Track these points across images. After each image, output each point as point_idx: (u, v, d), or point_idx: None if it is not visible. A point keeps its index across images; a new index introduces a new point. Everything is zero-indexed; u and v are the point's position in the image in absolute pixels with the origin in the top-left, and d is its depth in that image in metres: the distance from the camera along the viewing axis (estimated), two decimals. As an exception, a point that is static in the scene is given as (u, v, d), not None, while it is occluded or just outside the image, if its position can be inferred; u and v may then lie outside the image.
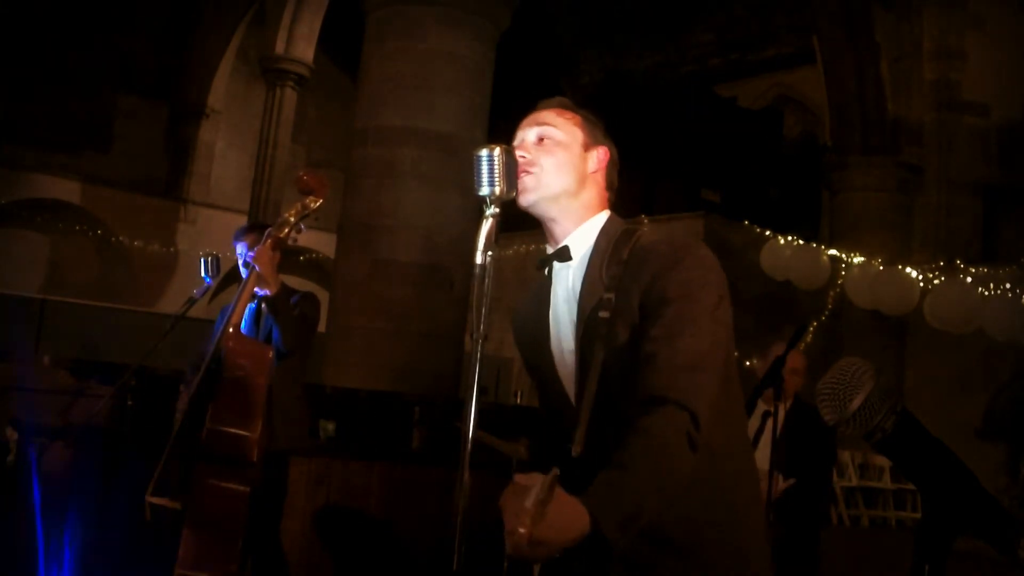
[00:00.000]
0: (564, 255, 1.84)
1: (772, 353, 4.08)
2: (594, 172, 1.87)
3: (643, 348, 1.67)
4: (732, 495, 1.73)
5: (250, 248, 3.94)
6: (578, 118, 1.89)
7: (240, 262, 4.01)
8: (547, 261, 1.87)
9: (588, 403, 1.72)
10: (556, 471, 1.37)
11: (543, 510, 1.33)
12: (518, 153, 1.80)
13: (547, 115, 1.88)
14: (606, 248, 1.80)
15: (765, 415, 3.91)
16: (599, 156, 1.88)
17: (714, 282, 1.71)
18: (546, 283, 1.88)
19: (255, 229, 4.08)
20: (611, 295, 1.74)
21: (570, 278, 1.83)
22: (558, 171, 1.82)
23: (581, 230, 1.84)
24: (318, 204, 3.71)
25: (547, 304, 1.87)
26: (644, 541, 1.66)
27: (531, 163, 1.81)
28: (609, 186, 1.91)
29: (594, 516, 1.42)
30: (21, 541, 4.48)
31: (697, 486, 1.66)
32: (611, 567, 1.68)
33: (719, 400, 1.69)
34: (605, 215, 1.87)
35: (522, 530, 1.31)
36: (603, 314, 1.73)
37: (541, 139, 1.84)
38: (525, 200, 1.81)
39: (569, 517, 1.40)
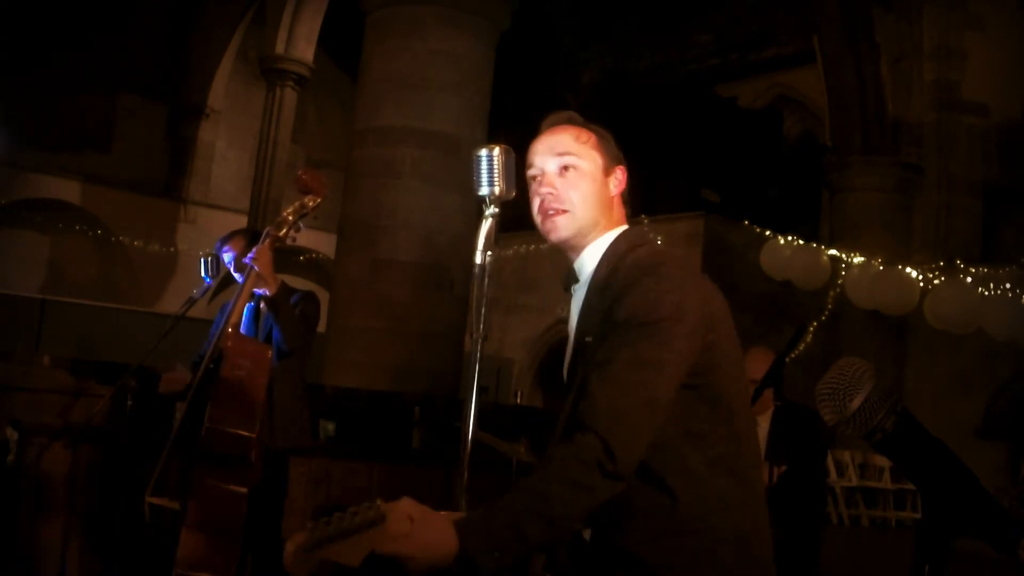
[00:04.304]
0: (573, 276, 1.83)
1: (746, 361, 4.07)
2: (615, 194, 1.86)
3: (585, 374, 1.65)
4: (713, 519, 1.65)
5: (237, 252, 3.99)
6: (594, 138, 1.84)
7: (231, 269, 4.05)
8: (567, 283, 1.86)
9: (560, 423, 1.71)
10: (379, 501, 1.39)
11: (336, 533, 1.37)
12: (543, 189, 1.77)
13: (565, 141, 1.81)
14: (606, 269, 1.77)
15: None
16: (619, 178, 1.86)
17: (669, 304, 1.63)
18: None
19: (236, 234, 4.13)
20: (596, 319, 1.72)
21: (580, 298, 1.82)
22: (586, 205, 1.79)
23: (589, 250, 1.82)
24: (317, 203, 3.72)
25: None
26: (613, 562, 1.67)
27: (559, 199, 1.78)
28: (625, 201, 1.89)
29: (461, 537, 1.42)
30: (21, 541, 4.48)
31: (669, 509, 1.64)
32: None
33: (693, 423, 1.66)
34: (615, 232, 1.83)
35: (288, 545, 1.37)
36: (588, 338, 1.72)
37: (564, 169, 1.79)
38: (557, 237, 1.79)
39: (434, 537, 1.41)
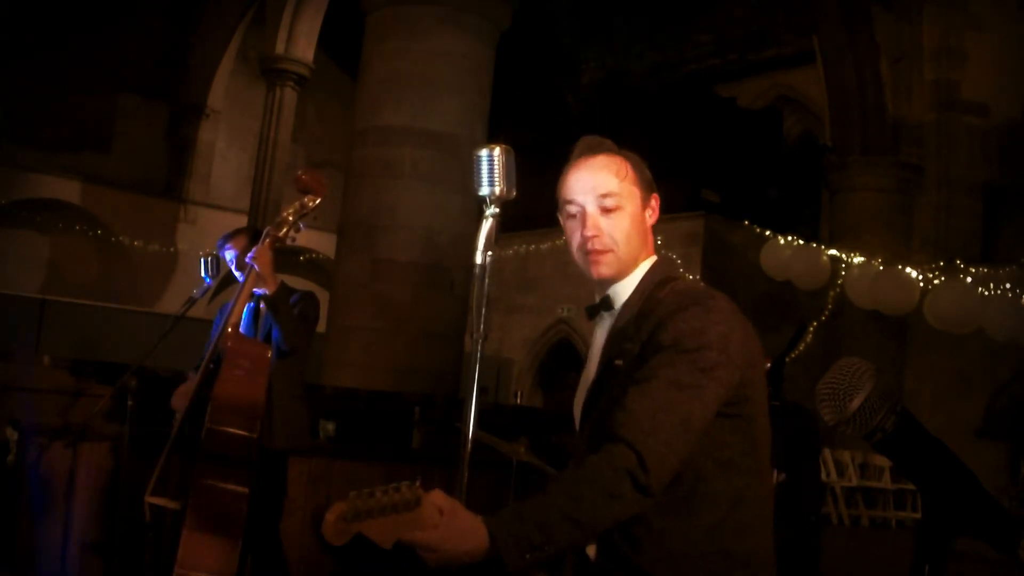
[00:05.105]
0: (607, 304, 1.84)
1: None
2: (650, 224, 1.87)
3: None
4: (731, 545, 1.69)
5: (239, 251, 3.99)
6: (632, 173, 1.83)
7: (232, 267, 4.05)
8: (594, 311, 1.86)
9: (583, 442, 1.74)
10: (418, 482, 1.37)
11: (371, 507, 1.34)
12: (588, 232, 1.77)
13: (607, 181, 1.80)
14: (639, 298, 1.79)
15: None
16: (653, 207, 1.86)
17: (716, 335, 1.66)
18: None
19: (239, 233, 4.14)
20: (631, 345, 1.73)
21: (607, 325, 1.84)
22: (629, 243, 1.80)
23: (626, 280, 1.83)
24: (316, 203, 3.72)
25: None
26: None
27: (602, 239, 1.78)
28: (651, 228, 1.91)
29: (492, 534, 1.42)
30: (21, 541, 4.48)
31: (689, 532, 1.66)
32: None
33: (724, 452, 1.69)
34: (649, 263, 1.85)
35: (328, 515, 1.32)
36: (618, 362, 1.73)
37: (607, 210, 1.79)
38: (600, 276, 1.80)
39: (464, 530, 1.41)
